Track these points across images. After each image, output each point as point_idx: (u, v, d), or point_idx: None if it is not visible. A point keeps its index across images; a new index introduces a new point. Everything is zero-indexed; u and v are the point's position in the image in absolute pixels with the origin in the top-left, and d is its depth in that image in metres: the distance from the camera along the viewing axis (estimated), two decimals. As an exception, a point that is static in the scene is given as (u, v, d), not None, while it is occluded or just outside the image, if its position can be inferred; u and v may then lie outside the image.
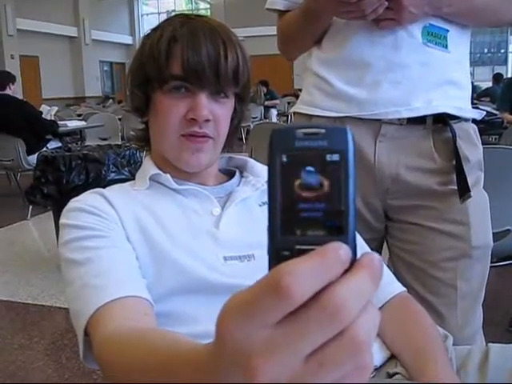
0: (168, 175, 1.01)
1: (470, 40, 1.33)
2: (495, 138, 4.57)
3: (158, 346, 0.61)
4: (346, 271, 0.35)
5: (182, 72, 0.95)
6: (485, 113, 1.34)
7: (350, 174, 0.36)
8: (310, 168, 0.36)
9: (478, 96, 10.37)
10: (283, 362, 0.35)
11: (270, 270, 0.35)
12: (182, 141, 0.98)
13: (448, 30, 1.24)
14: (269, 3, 1.41)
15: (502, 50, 21.62)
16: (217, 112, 0.99)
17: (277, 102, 11.86)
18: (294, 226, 0.36)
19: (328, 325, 0.34)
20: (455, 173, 1.24)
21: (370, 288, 0.35)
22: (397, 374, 0.93)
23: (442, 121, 1.25)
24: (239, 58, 0.99)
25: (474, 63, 21.22)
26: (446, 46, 1.24)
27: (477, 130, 1.33)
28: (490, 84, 12.09)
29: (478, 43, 21.55)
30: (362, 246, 1.10)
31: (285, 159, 0.37)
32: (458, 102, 1.27)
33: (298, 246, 0.36)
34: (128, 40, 22.45)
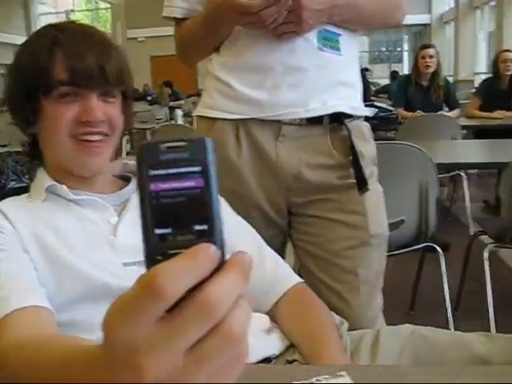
0: (64, 186, 1.01)
1: (359, 42, 1.42)
2: (394, 133, 4.79)
3: (58, 348, 0.62)
4: (218, 270, 0.39)
5: (68, 77, 0.96)
6: (376, 110, 1.43)
7: (211, 182, 0.40)
8: (174, 179, 0.40)
9: (376, 93, 10.80)
10: (165, 357, 0.38)
11: None
12: (78, 144, 0.99)
13: (340, 35, 1.32)
14: (166, 11, 1.42)
15: (399, 49, 22.55)
16: (109, 112, 1.00)
17: (181, 102, 11.80)
18: (165, 233, 0.40)
19: (202, 321, 0.38)
20: (352, 167, 1.32)
21: (240, 284, 0.39)
22: (295, 360, 0.98)
23: (338, 120, 1.33)
24: (121, 58, 1.01)
25: (372, 61, 22.00)
26: (339, 49, 1.32)
27: (369, 127, 1.42)
28: (387, 81, 12.61)
29: (376, 42, 22.37)
30: (259, 244, 1.14)
31: (151, 173, 0.40)
32: (350, 101, 1.35)
33: (170, 251, 0.39)
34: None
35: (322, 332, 1.03)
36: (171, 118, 10.77)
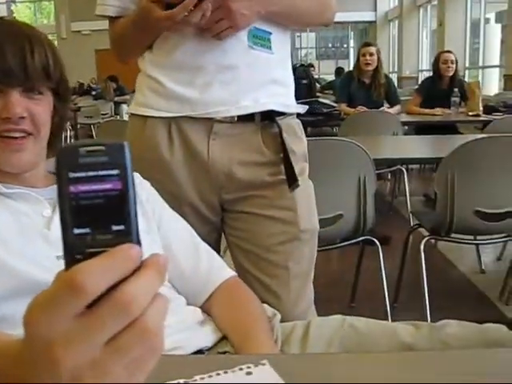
0: None
1: (290, 41, 1.44)
2: (337, 129, 4.86)
3: None
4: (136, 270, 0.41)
5: None
6: (307, 107, 1.46)
7: (129, 184, 0.42)
8: (93, 181, 0.41)
9: (322, 89, 10.94)
10: (82, 350, 0.40)
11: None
12: (1, 142, 0.97)
13: (271, 33, 1.33)
14: (99, 9, 1.40)
15: (345, 45, 22.87)
16: (32, 108, 0.99)
17: (127, 97, 11.63)
18: (84, 233, 0.41)
19: (119, 317, 0.40)
20: (283, 164, 1.34)
21: (156, 283, 0.42)
22: (226, 352, 1.00)
23: (269, 117, 1.35)
24: (48, 54, 1.00)
25: (319, 57, 22.26)
26: (270, 48, 1.33)
27: (301, 124, 1.44)
28: (333, 77, 12.77)
29: (323, 38, 22.63)
30: (192, 238, 1.16)
31: (70, 175, 0.41)
32: (282, 99, 1.37)
33: (88, 250, 0.41)
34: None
35: (251, 323, 1.05)
36: (116, 113, 10.62)
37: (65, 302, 0.39)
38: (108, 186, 0.41)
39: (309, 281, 1.44)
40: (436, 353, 0.94)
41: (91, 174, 0.41)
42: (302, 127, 1.44)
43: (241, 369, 0.69)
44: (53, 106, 1.04)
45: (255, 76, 1.32)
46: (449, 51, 5.62)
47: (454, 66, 5.39)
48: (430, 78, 5.75)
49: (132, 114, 1.42)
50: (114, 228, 0.41)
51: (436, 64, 5.51)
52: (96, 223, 0.41)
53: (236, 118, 1.33)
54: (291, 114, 1.41)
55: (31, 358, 0.42)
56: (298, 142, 1.40)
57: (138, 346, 0.41)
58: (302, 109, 1.44)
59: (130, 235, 0.42)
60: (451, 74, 5.40)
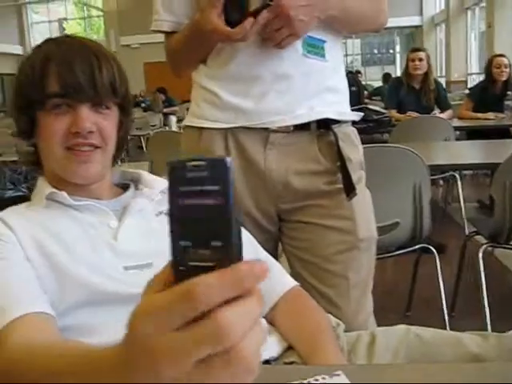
0: (64, 192, 1.02)
1: (342, 48, 1.43)
2: (387, 135, 4.81)
3: (69, 351, 0.64)
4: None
5: (59, 89, 0.98)
6: (362, 114, 1.45)
7: (229, 200, 0.42)
8: (198, 196, 0.42)
9: (369, 95, 10.83)
10: (179, 363, 0.41)
11: (175, 282, 0.42)
12: (69, 154, 1.01)
13: (325, 41, 1.33)
14: (154, 25, 1.42)
15: (391, 51, 22.62)
16: (100, 123, 1.02)
17: (175, 108, 11.82)
18: (187, 245, 0.42)
19: (215, 341, 0.40)
20: (340, 173, 1.33)
21: (255, 310, 0.42)
22: (293, 362, 1.00)
23: (325, 126, 1.34)
24: (114, 70, 1.03)
25: (365, 63, 22.08)
26: (324, 56, 1.33)
27: (356, 132, 1.43)
28: (380, 83, 12.65)
29: (368, 44, 22.45)
30: (255, 248, 1.16)
31: (181, 189, 0.42)
32: (337, 106, 1.36)
33: (190, 263, 0.42)
34: (18, 50, 21.57)
35: (318, 333, 1.05)
36: (165, 125, 10.79)
37: (176, 310, 0.40)
38: (210, 201, 0.42)
39: (368, 290, 1.42)
40: (506, 363, 0.92)
41: (197, 188, 0.42)
42: (357, 135, 1.43)
43: (316, 380, 0.69)
44: (118, 120, 1.08)
45: (310, 84, 1.32)
46: (502, 55, 5.48)
47: (508, 69, 5.27)
48: (482, 83, 5.63)
49: (187, 126, 1.43)
50: (213, 244, 0.42)
51: (488, 68, 5.39)
52: (197, 237, 0.42)
53: (292, 128, 1.32)
54: (346, 122, 1.40)
55: (128, 365, 0.43)
56: (354, 150, 1.39)
57: (230, 373, 0.41)
58: (357, 116, 1.43)
59: (227, 252, 0.42)
60: (505, 78, 5.28)
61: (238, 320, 0.40)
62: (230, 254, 0.42)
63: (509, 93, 5.30)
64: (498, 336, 1.06)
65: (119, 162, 1.13)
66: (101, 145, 1.03)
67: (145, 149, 8.46)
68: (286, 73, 1.30)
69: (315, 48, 1.32)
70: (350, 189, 1.32)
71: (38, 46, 1.06)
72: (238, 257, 0.42)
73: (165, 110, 11.39)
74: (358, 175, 1.38)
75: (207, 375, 0.41)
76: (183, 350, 0.40)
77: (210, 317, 0.40)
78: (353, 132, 1.42)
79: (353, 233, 1.35)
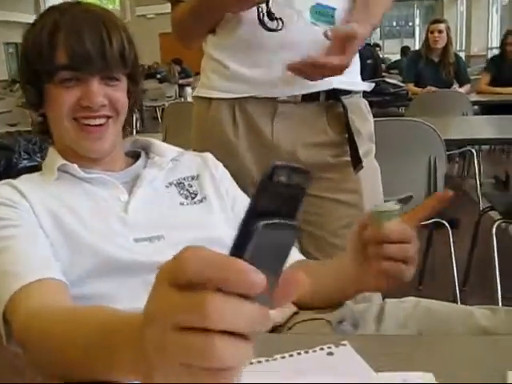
0: (75, 165, 1.03)
1: None
2: (405, 109, 4.76)
3: (93, 311, 0.65)
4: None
5: (68, 61, 0.96)
6: (373, 85, 1.43)
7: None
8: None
9: (387, 68, 10.72)
10: (170, 361, 0.42)
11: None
12: (81, 129, 1.00)
13: (335, 9, 1.30)
14: None
15: (410, 23, 22.28)
16: (111, 95, 1.01)
17: (191, 80, 11.75)
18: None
19: (202, 361, 0.40)
20: (348, 145, 1.32)
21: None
22: (295, 324, 1.00)
23: (334, 96, 1.33)
24: (124, 41, 1.01)
25: (384, 36, 21.78)
26: (333, 24, 1.30)
27: (367, 104, 1.41)
28: (399, 57, 12.48)
29: (387, 16, 22.08)
30: None
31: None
32: (346, 76, 1.32)
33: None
34: (32, 19, 21.47)
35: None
36: (180, 96, 10.75)
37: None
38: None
39: None
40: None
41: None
42: (368, 107, 1.41)
43: (322, 349, 0.70)
44: (127, 90, 1.06)
45: (318, 53, 1.30)
46: None
47: None
48: (497, 56, 5.57)
49: (197, 97, 1.43)
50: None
51: (504, 42, 5.37)
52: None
53: (300, 98, 1.31)
54: (357, 93, 1.38)
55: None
56: (364, 122, 1.38)
57: (198, 357, 0.40)
58: (368, 86, 1.41)
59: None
60: None
61: (226, 306, 0.40)
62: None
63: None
64: (508, 310, 1.06)
65: (134, 133, 1.13)
66: (112, 115, 1.02)
67: (160, 120, 8.46)
68: (292, 41, 1.28)
69: (324, 16, 1.29)
70: (356, 162, 1.32)
71: (42, 16, 1.03)
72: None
73: (180, 82, 11.34)
74: (366, 148, 1.37)
75: (172, 349, 0.41)
76: (173, 351, 0.41)
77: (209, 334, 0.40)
78: (364, 104, 1.40)
79: (359, 206, 1.35)
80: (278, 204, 0.42)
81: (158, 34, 18.04)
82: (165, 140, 3.65)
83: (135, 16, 19.17)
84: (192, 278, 0.40)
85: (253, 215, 0.41)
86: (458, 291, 2.56)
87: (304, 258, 1.16)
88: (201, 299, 0.40)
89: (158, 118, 9.35)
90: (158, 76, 12.15)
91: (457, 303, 2.46)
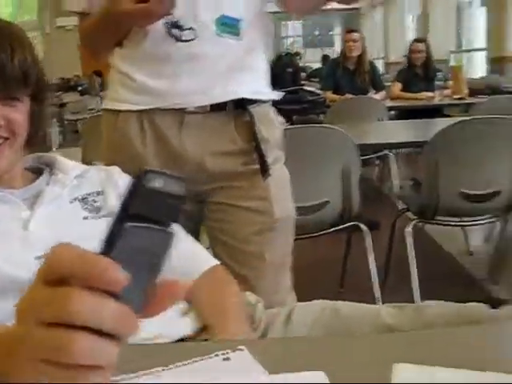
0: None
1: (266, 26, 1.42)
2: (323, 116, 4.87)
3: None
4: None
5: None
6: (282, 94, 1.45)
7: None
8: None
9: (308, 76, 10.96)
10: (30, 355, 0.42)
11: None
12: None
13: (239, 20, 1.32)
14: (69, 4, 1.41)
15: (330, 32, 22.81)
16: (9, 115, 0.97)
17: (113, 91, 11.62)
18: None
19: (58, 356, 0.40)
20: (256, 153, 1.34)
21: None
22: (206, 340, 1.00)
23: (242, 105, 1.34)
24: (27, 58, 0.97)
25: (305, 45, 22.21)
26: (238, 35, 1.32)
27: (275, 111, 1.43)
28: (320, 65, 12.76)
29: (309, 26, 22.55)
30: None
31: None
32: (253, 85, 1.36)
33: None
34: None
35: (226, 304, 1.06)
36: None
37: (41, 269, 0.43)
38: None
39: (285, 269, 1.45)
40: (416, 332, 0.95)
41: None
42: (276, 115, 1.43)
43: (217, 355, 0.70)
44: (30, 110, 1.03)
45: (224, 64, 1.31)
46: (419, 40, 5.94)
47: (424, 54, 5.55)
48: (404, 67, 5.91)
49: (105, 110, 1.42)
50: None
51: (410, 51, 5.72)
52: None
53: (208, 108, 1.32)
54: (265, 102, 1.40)
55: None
56: (272, 130, 1.39)
57: (55, 352, 0.40)
58: (277, 95, 1.43)
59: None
60: (421, 61, 5.57)
61: (87, 303, 0.40)
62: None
63: (438, 74, 5.48)
64: (415, 307, 1.09)
65: (54, 149, 1.10)
66: (8, 136, 0.98)
67: (80, 133, 8.28)
68: (199, 52, 1.29)
69: (229, 27, 1.31)
70: (264, 169, 1.34)
71: None
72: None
73: (101, 94, 11.16)
74: (275, 156, 1.39)
75: (33, 340, 0.42)
76: (33, 344, 0.42)
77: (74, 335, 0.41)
78: (272, 111, 1.42)
79: (269, 213, 1.37)
80: (151, 209, 0.42)
81: (78, 45, 17.69)
82: (84, 154, 3.58)
83: (55, 27, 18.71)
84: (61, 274, 0.41)
85: (123, 216, 0.42)
86: (377, 292, 2.61)
87: (219, 263, 1.15)
88: (65, 294, 0.40)
89: (78, 131, 9.15)
90: (80, 88, 11.93)
91: (377, 304, 2.51)
